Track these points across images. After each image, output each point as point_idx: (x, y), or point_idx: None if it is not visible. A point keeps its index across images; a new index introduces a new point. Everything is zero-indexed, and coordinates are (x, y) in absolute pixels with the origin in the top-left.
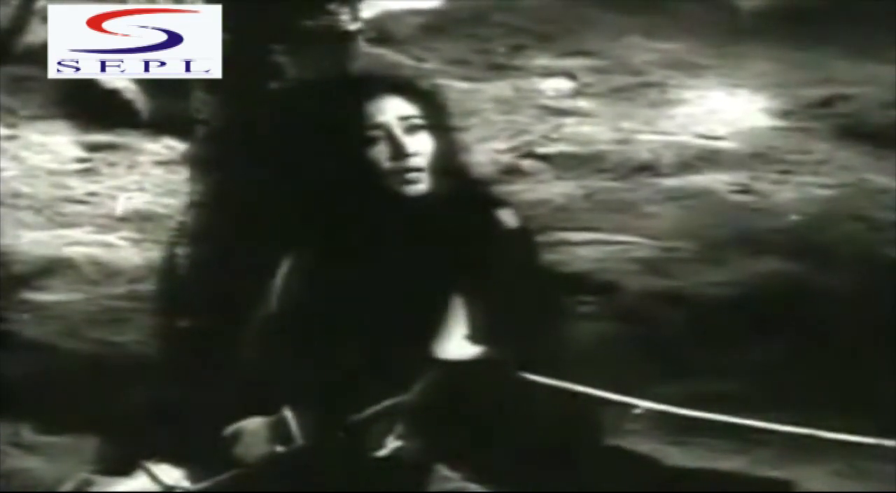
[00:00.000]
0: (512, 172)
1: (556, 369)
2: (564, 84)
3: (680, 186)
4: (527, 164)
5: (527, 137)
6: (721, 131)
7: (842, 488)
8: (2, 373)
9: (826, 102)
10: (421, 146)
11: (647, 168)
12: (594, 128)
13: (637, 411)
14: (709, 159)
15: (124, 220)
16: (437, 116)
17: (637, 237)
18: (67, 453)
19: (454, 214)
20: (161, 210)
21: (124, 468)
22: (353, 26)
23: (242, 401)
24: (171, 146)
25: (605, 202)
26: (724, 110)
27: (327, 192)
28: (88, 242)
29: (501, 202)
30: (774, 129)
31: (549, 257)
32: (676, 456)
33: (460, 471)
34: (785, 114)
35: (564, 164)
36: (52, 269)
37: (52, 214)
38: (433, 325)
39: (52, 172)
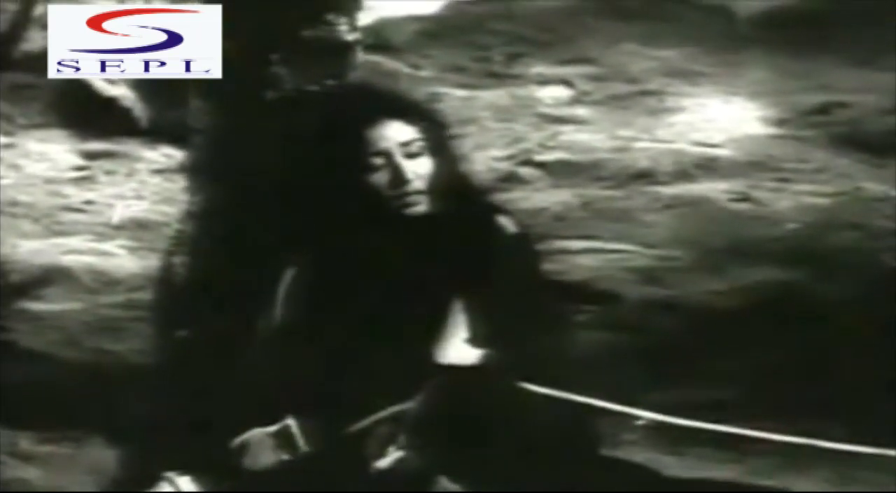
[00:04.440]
0: (509, 179)
1: (555, 374)
2: (562, 92)
3: (677, 194)
4: (524, 172)
5: (524, 145)
6: (718, 139)
7: None
8: (0, 382)
9: (823, 110)
10: (421, 169)
11: (645, 176)
12: (592, 136)
13: (640, 422)
14: (706, 167)
15: (121, 228)
16: (437, 137)
17: (634, 246)
18: (65, 463)
19: (454, 224)
20: (158, 218)
21: (142, 481)
22: (351, 36)
23: (243, 411)
24: (169, 154)
25: (602, 211)
26: (721, 118)
27: (327, 207)
28: (86, 251)
29: (501, 210)
30: (772, 137)
31: (546, 265)
32: (673, 466)
33: (461, 483)
34: (782, 122)
35: (562, 172)
36: (49, 278)
37: (50, 222)
38: (434, 331)
39: (49, 181)
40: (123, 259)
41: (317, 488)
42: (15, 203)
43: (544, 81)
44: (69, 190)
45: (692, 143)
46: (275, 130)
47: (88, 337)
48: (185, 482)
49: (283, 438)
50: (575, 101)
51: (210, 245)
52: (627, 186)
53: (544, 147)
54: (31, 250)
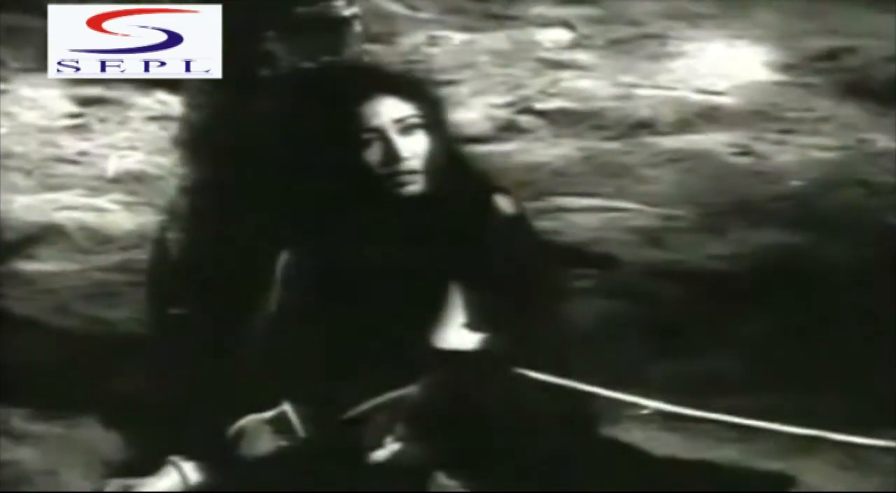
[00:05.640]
0: (508, 129)
1: (553, 356)
2: (562, 35)
3: (679, 147)
4: (524, 120)
5: (524, 92)
6: (721, 86)
7: (842, 479)
8: None
9: (830, 55)
10: (415, 147)
11: (646, 126)
12: (593, 82)
13: (644, 411)
14: (708, 116)
15: (116, 181)
16: (432, 113)
17: (635, 204)
18: (58, 442)
19: (450, 206)
20: (153, 170)
21: (144, 464)
22: (348, 12)
23: (239, 396)
24: (164, 100)
25: (603, 165)
26: (724, 64)
27: (322, 186)
28: (79, 207)
29: (498, 189)
30: (776, 83)
31: (546, 224)
32: (673, 444)
33: (459, 478)
34: (787, 68)
35: (562, 121)
36: (41, 236)
37: (43, 175)
38: (432, 315)
39: (42, 130)
40: (118, 215)
41: (314, 477)
42: (9, 154)
43: (544, 23)
44: (63, 140)
45: (694, 90)
46: (269, 107)
47: (81, 303)
48: (189, 467)
49: (281, 424)
50: (575, 44)
51: (203, 223)
52: (628, 137)
53: (544, 94)
54: (24, 205)
